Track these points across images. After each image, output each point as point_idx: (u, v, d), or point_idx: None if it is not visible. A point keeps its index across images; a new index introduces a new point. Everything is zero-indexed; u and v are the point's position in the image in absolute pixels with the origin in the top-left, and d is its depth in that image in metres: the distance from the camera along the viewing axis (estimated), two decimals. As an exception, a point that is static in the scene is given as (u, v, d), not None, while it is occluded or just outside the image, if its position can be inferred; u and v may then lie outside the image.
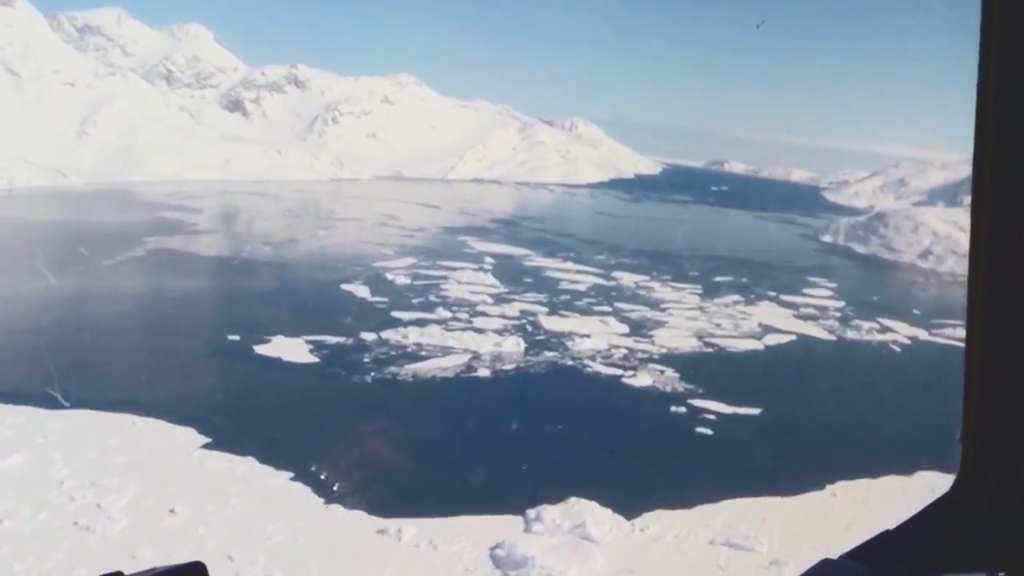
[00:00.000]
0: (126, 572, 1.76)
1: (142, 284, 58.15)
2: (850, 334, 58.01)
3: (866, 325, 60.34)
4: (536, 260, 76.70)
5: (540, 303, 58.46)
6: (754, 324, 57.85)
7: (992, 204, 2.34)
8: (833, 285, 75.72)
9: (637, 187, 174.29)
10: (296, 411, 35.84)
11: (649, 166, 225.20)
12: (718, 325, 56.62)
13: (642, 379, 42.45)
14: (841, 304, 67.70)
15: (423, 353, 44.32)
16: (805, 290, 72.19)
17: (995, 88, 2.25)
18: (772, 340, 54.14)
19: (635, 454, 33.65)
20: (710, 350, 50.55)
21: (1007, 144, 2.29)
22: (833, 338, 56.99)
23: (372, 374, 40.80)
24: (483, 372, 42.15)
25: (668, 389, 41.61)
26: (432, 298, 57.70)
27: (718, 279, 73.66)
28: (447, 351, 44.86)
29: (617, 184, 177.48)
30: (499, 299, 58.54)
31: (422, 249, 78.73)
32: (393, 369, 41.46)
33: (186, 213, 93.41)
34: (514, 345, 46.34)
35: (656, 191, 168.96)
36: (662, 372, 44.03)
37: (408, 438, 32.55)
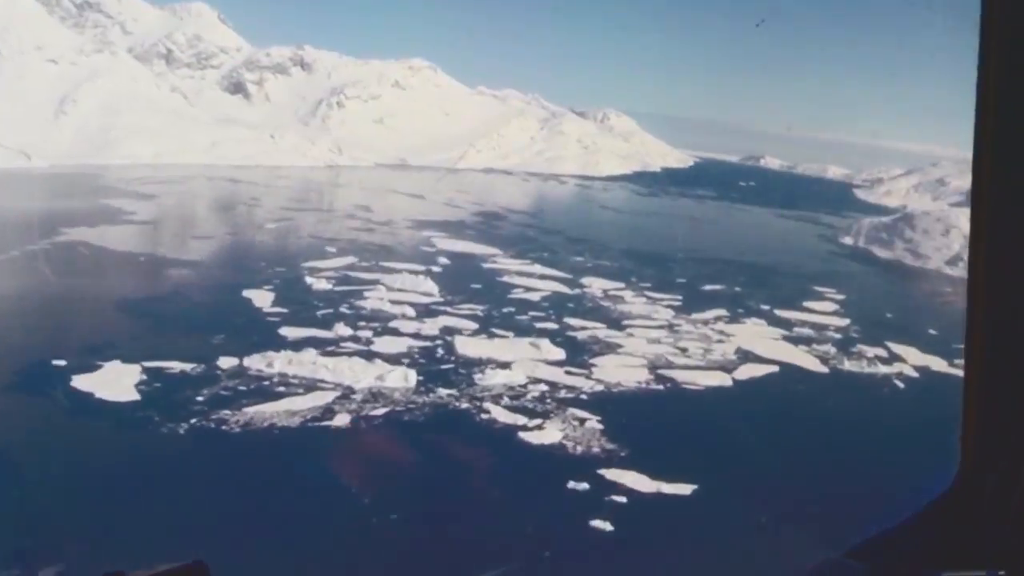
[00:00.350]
0: (127, 572, 1.85)
1: (6, 287, 49.00)
2: (848, 364, 47.19)
3: (870, 351, 49.68)
4: (499, 261, 66.71)
5: (473, 317, 48.56)
6: (731, 349, 47.33)
7: (992, 204, 2.41)
8: (841, 297, 64.70)
9: (659, 181, 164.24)
10: (44, 483, 25.41)
11: (680, 159, 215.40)
12: (684, 351, 46.27)
13: (550, 433, 32.28)
14: (845, 322, 57.02)
15: (280, 389, 34.74)
16: (807, 303, 61.45)
17: (995, 88, 2.30)
18: (747, 373, 43.59)
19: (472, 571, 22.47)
20: (660, 388, 40.14)
21: (1007, 144, 2.36)
22: (824, 370, 46.07)
23: (193, 420, 30.99)
24: (341, 420, 32.27)
25: (579, 450, 31.33)
26: (344, 309, 48.07)
27: (707, 288, 63.14)
28: (313, 386, 35.21)
29: (639, 177, 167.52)
30: (425, 312, 48.71)
31: (372, 246, 68.99)
32: (226, 413, 31.88)
33: (135, 200, 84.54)
34: (401, 379, 36.56)
35: (678, 185, 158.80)
36: (581, 422, 33.74)
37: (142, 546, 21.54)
